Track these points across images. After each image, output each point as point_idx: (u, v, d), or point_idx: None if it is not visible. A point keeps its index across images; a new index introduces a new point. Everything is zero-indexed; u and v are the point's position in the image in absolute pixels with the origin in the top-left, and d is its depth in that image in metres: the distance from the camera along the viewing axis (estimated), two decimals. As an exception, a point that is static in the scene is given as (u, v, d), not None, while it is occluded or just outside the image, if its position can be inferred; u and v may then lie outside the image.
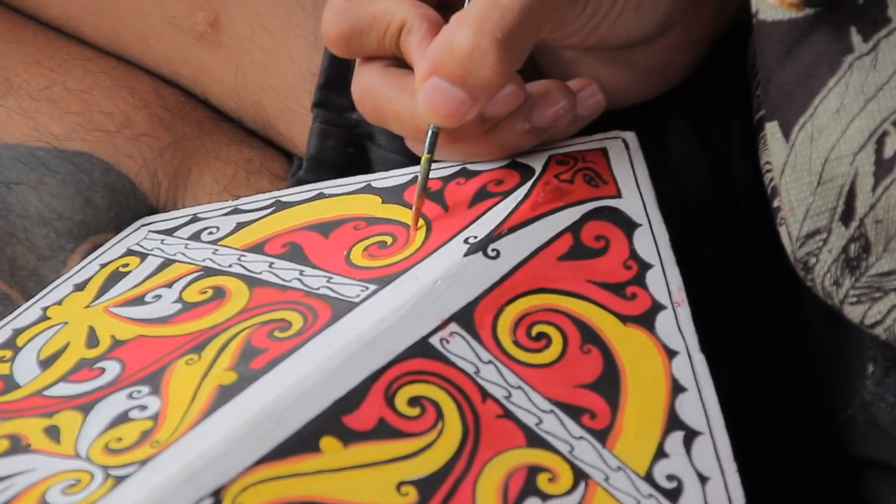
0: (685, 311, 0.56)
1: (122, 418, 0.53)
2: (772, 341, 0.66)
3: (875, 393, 0.62)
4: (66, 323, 0.60)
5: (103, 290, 0.62)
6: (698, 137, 0.67)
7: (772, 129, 0.55)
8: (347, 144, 0.68)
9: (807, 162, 0.54)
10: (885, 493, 0.63)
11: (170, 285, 0.60)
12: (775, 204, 0.56)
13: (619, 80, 0.63)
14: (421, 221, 0.59)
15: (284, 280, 0.58)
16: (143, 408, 0.53)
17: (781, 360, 0.66)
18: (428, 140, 0.58)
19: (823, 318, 0.63)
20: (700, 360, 0.55)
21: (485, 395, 0.53)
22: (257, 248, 0.61)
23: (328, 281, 0.57)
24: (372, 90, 0.60)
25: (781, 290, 0.65)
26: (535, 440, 0.52)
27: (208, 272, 0.60)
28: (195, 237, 0.63)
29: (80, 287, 0.63)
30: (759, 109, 0.58)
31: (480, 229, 0.57)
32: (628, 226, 0.58)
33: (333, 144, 0.68)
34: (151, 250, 0.64)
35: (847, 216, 0.53)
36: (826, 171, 0.53)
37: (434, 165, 0.62)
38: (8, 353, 0.59)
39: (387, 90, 0.60)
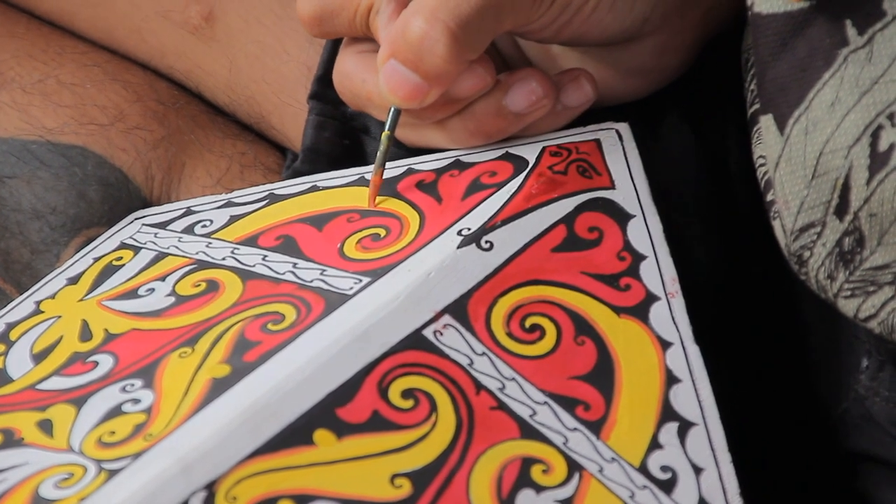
0: (679, 303, 0.56)
1: (116, 412, 0.53)
2: (766, 335, 0.66)
3: (869, 387, 0.62)
4: (60, 317, 0.60)
5: (97, 283, 0.62)
6: (694, 131, 0.67)
7: (766, 123, 0.55)
8: (343, 136, 0.68)
9: (801, 155, 0.54)
10: (880, 487, 0.63)
11: (163, 278, 0.60)
12: (769, 197, 0.56)
13: (604, 78, 0.63)
14: (414, 213, 0.59)
15: (278, 273, 0.58)
16: (137, 401, 0.53)
17: (776, 354, 0.66)
18: (389, 118, 0.60)
19: (818, 312, 0.63)
20: (694, 351, 0.55)
21: (479, 387, 0.53)
22: (251, 241, 0.61)
23: (322, 273, 0.57)
24: (348, 75, 0.61)
25: (776, 284, 0.65)
26: (529, 432, 0.52)
27: (202, 265, 0.60)
28: (189, 230, 0.63)
29: (73, 281, 0.63)
30: (754, 103, 0.58)
31: (474, 221, 0.57)
32: (622, 217, 0.58)
33: (329, 136, 0.68)
34: (145, 244, 0.64)
35: (841, 209, 0.53)
36: (821, 164, 0.53)
37: (427, 157, 0.62)
38: (1, 347, 0.59)
39: (361, 73, 0.61)
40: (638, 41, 0.62)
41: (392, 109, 0.59)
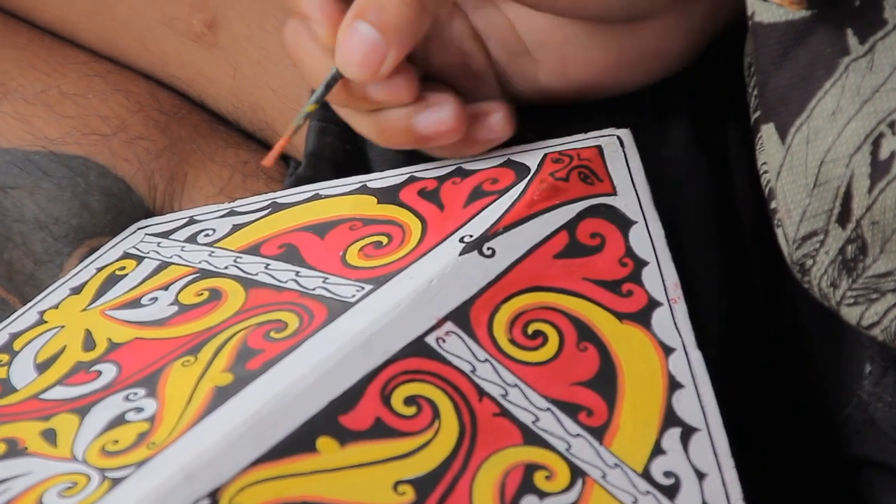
0: (681, 308, 0.56)
1: (119, 421, 0.53)
2: (768, 341, 0.66)
3: (873, 393, 0.62)
4: (63, 326, 0.60)
5: (100, 293, 0.62)
6: (696, 136, 0.67)
7: (768, 131, 0.55)
8: (345, 142, 0.68)
9: (803, 164, 0.54)
10: (884, 493, 0.63)
11: (166, 288, 0.60)
12: (772, 206, 0.56)
13: (610, 62, 0.62)
14: (416, 220, 0.59)
15: (280, 281, 0.58)
16: (140, 410, 0.53)
17: (778, 360, 0.66)
18: (321, 88, 0.59)
19: (820, 318, 0.63)
20: (696, 356, 0.55)
21: (481, 393, 0.53)
22: (253, 250, 0.61)
23: (324, 281, 0.57)
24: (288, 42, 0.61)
25: (778, 290, 0.65)
26: (531, 438, 0.52)
27: (204, 274, 0.60)
28: (191, 239, 0.63)
29: (76, 290, 0.63)
30: (756, 111, 0.58)
31: (476, 228, 0.57)
32: (624, 223, 0.58)
33: (331, 141, 0.68)
34: (148, 253, 0.64)
35: (843, 218, 0.53)
36: (822, 172, 0.53)
37: (429, 165, 0.62)
38: (5, 357, 0.59)
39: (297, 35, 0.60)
40: (642, 22, 0.61)
41: (325, 80, 0.58)
